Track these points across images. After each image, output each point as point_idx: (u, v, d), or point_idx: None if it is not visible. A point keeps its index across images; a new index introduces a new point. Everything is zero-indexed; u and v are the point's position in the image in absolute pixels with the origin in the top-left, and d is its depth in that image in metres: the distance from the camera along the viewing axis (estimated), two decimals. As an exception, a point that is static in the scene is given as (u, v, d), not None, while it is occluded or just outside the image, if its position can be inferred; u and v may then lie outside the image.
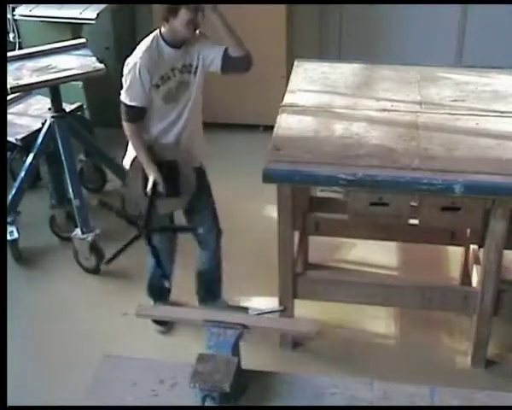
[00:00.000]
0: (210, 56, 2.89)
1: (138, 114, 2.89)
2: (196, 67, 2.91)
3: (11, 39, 4.58)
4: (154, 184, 2.89)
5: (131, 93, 2.85)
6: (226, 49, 2.88)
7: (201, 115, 3.06)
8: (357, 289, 3.12)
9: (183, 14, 2.75)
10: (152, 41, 2.87)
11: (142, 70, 2.81)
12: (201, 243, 3.20)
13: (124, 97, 2.87)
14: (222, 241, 3.23)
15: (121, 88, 2.87)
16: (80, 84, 4.50)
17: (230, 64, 2.90)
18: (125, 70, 2.87)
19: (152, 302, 3.33)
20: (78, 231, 3.74)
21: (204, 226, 3.15)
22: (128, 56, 2.91)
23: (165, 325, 3.29)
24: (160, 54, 2.86)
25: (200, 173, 3.07)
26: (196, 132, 3.04)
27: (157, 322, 3.26)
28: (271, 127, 3.11)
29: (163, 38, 2.86)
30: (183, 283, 3.37)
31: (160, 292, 3.32)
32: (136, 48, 2.91)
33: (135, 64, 2.83)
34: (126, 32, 5.09)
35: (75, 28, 4.47)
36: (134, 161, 2.96)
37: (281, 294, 3.10)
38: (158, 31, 2.88)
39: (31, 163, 3.81)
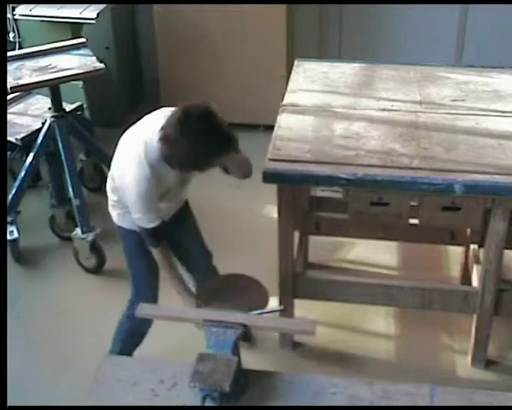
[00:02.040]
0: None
1: (161, 230, 2.61)
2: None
3: (11, 39, 4.58)
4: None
5: (149, 215, 2.55)
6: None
7: None
8: (357, 289, 3.12)
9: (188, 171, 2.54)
10: (150, 158, 2.48)
11: (150, 190, 2.51)
12: (195, 271, 3.03)
13: (143, 223, 2.57)
14: (222, 241, 3.22)
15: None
16: (80, 84, 4.50)
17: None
18: (127, 190, 2.55)
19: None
20: (78, 231, 3.74)
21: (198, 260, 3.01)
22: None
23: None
24: (161, 169, 2.52)
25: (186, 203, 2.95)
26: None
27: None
28: (271, 127, 3.11)
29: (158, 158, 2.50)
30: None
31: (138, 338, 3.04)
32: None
33: (144, 183, 2.49)
34: (126, 32, 5.10)
35: (75, 28, 4.47)
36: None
37: (281, 294, 3.10)
38: (148, 151, 2.49)
39: (31, 163, 3.81)
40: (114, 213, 2.81)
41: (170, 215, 2.79)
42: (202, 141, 2.35)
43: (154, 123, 2.49)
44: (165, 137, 2.39)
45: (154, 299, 2.84)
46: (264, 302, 2.50)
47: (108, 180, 2.81)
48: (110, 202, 2.81)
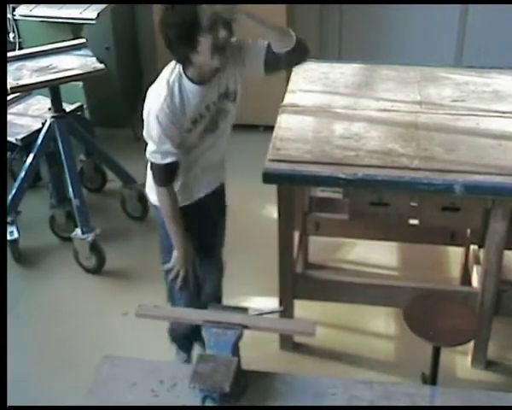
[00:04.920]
0: (251, 70, 2.43)
1: (174, 172, 2.43)
2: (235, 93, 2.45)
3: (11, 39, 4.58)
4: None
5: (161, 150, 2.36)
6: (269, 47, 2.37)
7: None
8: (357, 290, 3.12)
9: (204, 44, 2.21)
10: (173, 84, 2.32)
11: (166, 125, 2.32)
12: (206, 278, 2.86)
13: (153, 158, 2.40)
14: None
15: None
16: (80, 84, 4.50)
17: (277, 64, 2.42)
18: (146, 123, 2.37)
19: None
20: (78, 231, 3.74)
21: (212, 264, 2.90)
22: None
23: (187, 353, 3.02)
24: (185, 98, 2.34)
25: (223, 189, 2.79)
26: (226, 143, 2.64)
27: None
28: (271, 127, 3.11)
29: (188, 77, 2.33)
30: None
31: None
32: (155, 81, 2.40)
33: (156, 118, 2.31)
34: (126, 32, 5.10)
35: (75, 28, 4.47)
36: None
37: (281, 294, 3.10)
38: (178, 68, 2.34)
39: (31, 163, 3.81)
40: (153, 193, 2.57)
41: (209, 189, 2.62)
42: None
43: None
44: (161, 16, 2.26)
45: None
46: None
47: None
48: (151, 183, 2.56)
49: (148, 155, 2.43)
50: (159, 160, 2.39)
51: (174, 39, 2.24)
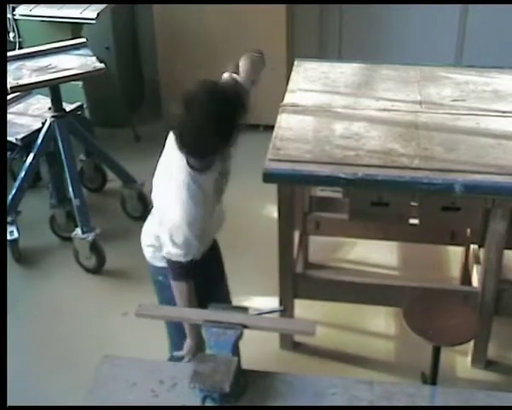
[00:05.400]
0: None
1: (192, 264, 2.40)
2: (228, 153, 2.44)
3: (11, 39, 4.58)
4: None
5: (188, 249, 2.34)
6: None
7: None
8: (357, 289, 3.12)
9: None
10: (189, 185, 2.30)
11: (196, 226, 2.32)
12: None
13: (178, 256, 2.35)
14: (222, 241, 3.22)
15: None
16: (80, 84, 4.50)
17: None
18: (173, 233, 2.33)
19: None
20: (78, 231, 3.74)
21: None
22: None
23: None
24: (205, 190, 2.34)
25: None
26: None
27: None
28: (271, 127, 3.11)
29: (195, 170, 2.30)
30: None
31: None
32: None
33: (188, 225, 2.29)
34: (126, 32, 5.10)
35: (75, 28, 4.47)
36: None
37: (281, 294, 3.10)
38: (187, 168, 2.29)
39: (31, 163, 3.81)
40: (157, 254, 2.51)
41: (208, 245, 2.58)
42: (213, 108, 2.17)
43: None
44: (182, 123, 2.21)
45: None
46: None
47: (147, 224, 2.61)
48: (148, 241, 2.57)
49: (169, 256, 2.37)
50: (183, 258, 2.35)
51: (220, 130, 2.20)
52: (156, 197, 2.45)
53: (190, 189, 2.29)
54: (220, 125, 2.19)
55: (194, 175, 2.30)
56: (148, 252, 2.60)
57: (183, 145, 2.22)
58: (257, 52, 2.66)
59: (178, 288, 2.42)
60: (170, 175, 2.36)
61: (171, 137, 2.38)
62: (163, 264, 2.47)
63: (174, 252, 2.35)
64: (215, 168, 2.38)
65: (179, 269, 2.38)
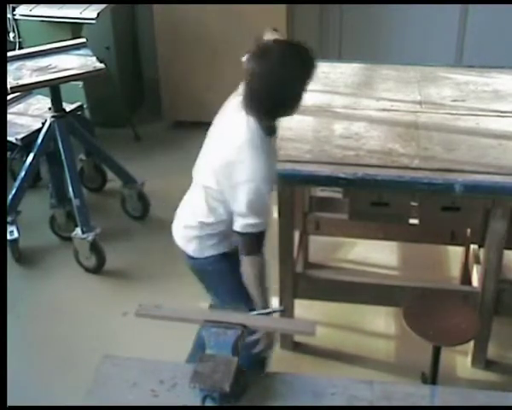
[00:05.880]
0: None
1: (264, 236, 2.34)
2: None
3: (11, 39, 4.57)
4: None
5: (266, 216, 2.29)
6: None
7: None
8: (357, 289, 3.12)
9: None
10: (266, 148, 2.27)
11: (268, 189, 2.28)
12: None
13: (257, 226, 2.27)
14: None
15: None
16: (80, 84, 4.50)
17: None
18: (253, 197, 2.25)
19: None
20: (78, 231, 3.74)
21: None
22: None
23: None
24: (272, 153, 2.33)
25: None
26: None
27: None
28: (271, 127, 3.11)
29: (264, 131, 2.28)
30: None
31: None
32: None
33: (263, 184, 2.25)
34: (126, 32, 5.10)
35: (75, 28, 4.46)
36: None
37: (281, 293, 3.10)
38: (255, 126, 2.26)
39: (31, 163, 3.81)
40: (204, 245, 2.45)
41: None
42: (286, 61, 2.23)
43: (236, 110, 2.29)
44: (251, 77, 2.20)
45: None
46: None
47: (183, 219, 2.52)
48: (192, 233, 2.47)
49: (246, 229, 2.29)
50: (260, 227, 2.29)
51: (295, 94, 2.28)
52: (219, 173, 2.31)
53: (263, 147, 2.25)
54: (299, 83, 2.29)
55: (263, 137, 2.26)
56: (191, 246, 2.48)
57: (255, 103, 2.21)
58: (274, 30, 2.65)
59: (251, 263, 2.32)
60: (233, 142, 2.27)
61: (228, 105, 2.38)
62: (211, 252, 2.43)
63: (252, 222, 2.26)
64: (278, 134, 2.37)
65: (256, 240, 2.30)
